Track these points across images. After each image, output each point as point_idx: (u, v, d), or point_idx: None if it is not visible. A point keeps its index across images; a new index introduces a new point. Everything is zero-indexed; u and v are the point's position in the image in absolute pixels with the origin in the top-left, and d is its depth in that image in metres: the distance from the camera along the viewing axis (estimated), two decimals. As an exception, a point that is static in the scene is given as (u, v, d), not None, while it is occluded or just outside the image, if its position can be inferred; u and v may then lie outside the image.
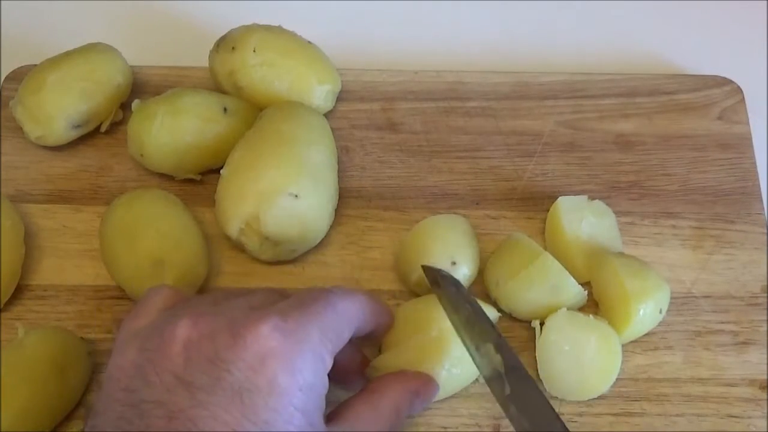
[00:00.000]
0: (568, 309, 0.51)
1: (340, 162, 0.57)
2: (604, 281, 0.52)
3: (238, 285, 0.55)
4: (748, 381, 0.52)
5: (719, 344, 0.53)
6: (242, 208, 0.52)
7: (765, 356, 0.53)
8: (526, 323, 0.53)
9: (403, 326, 0.49)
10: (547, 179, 0.59)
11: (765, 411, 0.51)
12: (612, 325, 0.51)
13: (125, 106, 0.60)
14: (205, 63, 0.60)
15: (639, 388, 0.52)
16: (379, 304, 0.48)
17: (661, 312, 0.52)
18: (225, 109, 0.57)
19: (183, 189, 0.58)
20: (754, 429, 0.50)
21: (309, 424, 0.40)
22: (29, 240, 0.55)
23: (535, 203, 0.58)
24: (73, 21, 0.69)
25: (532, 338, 0.51)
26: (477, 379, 0.49)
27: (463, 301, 0.48)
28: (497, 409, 0.46)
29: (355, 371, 0.48)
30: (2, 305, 0.53)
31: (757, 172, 0.59)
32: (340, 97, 0.61)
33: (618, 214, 0.57)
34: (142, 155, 0.56)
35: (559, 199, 0.56)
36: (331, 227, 0.55)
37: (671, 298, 0.53)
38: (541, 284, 0.51)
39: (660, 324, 0.53)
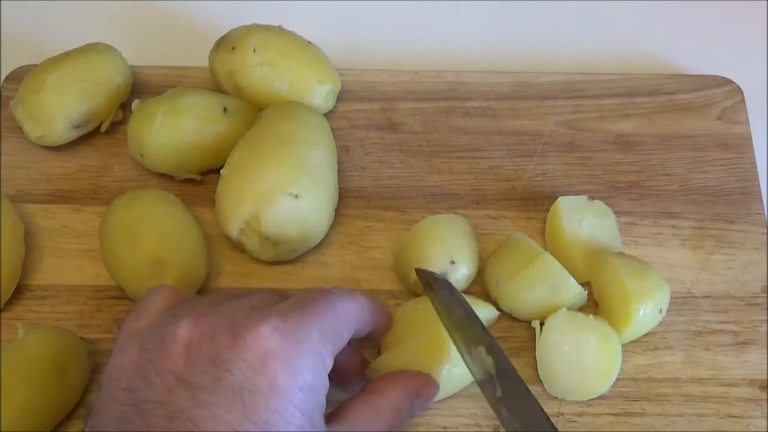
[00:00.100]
0: (568, 309, 0.51)
1: (340, 162, 0.57)
2: (604, 281, 0.52)
3: (238, 285, 0.55)
4: (748, 381, 0.52)
5: (719, 344, 0.53)
6: (242, 208, 0.52)
7: (765, 356, 0.53)
8: (526, 323, 0.53)
9: (403, 326, 0.49)
10: (547, 179, 0.59)
11: (765, 411, 0.51)
12: (612, 325, 0.51)
13: (125, 106, 0.60)
14: (205, 63, 0.60)
15: (639, 388, 0.52)
16: (378, 304, 0.48)
17: (661, 312, 0.52)
18: (225, 109, 0.57)
19: (183, 189, 0.58)
20: (754, 429, 0.50)
21: (309, 425, 0.40)
22: (29, 240, 0.55)
23: (535, 203, 0.58)
24: (73, 21, 0.69)
25: (532, 338, 0.51)
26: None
27: (456, 304, 0.48)
28: (497, 409, 0.46)
29: (355, 372, 0.48)
30: (2, 305, 0.53)
31: (757, 172, 0.59)
32: (340, 97, 0.61)
33: (618, 214, 0.57)
34: (142, 155, 0.56)
35: (559, 199, 0.56)
36: (331, 227, 0.55)
37: (671, 298, 0.53)
38: (541, 284, 0.51)
39: (660, 324, 0.53)
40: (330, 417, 0.43)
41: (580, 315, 0.51)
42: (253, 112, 0.58)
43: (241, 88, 0.58)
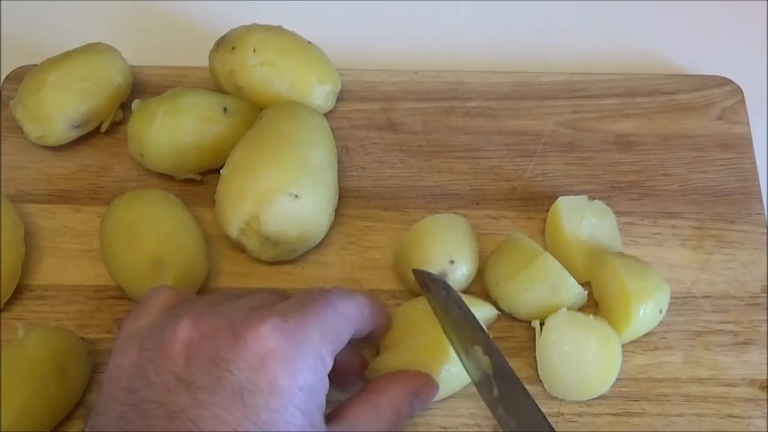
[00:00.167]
0: (568, 309, 0.51)
1: (340, 162, 0.57)
2: (604, 281, 0.52)
3: (238, 285, 0.55)
4: (748, 381, 0.52)
5: (719, 344, 0.53)
6: (242, 208, 0.52)
7: (765, 356, 0.53)
8: (526, 323, 0.53)
9: (403, 326, 0.49)
10: (547, 179, 0.59)
11: (765, 411, 0.51)
12: (612, 325, 0.51)
13: (125, 106, 0.60)
14: (205, 63, 0.60)
15: (639, 388, 0.52)
16: (378, 305, 0.48)
17: (661, 312, 0.52)
18: (225, 109, 0.57)
19: (183, 189, 0.58)
20: (754, 429, 0.50)
21: (309, 424, 0.40)
22: (29, 240, 0.55)
23: (535, 203, 0.58)
24: (73, 21, 0.69)
25: (532, 338, 0.51)
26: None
27: (453, 305, 0.48)
28: (497, 409, 0.46)
29: (355, 372, 0.48)
30: (2, 305, 0.53)
31: (757, 172, 0.59)
32: (340, 97, 0.61)
33: (618, 214, 0.57)
34: (142, 155, 0.56)
35: (559, 199, 0.56)
36: (331, 227, 0.55)
37: (671, 298, 0.53)
38: (541, 284, 0.51)
39: (660, 324, 0.53)
40: (330, 417, 0.43)
41: (580, 315, 0.51)
42: (253, 112, 0.58)
43: (241, 88, 0.58)
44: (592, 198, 0.56)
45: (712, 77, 0.63)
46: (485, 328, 0.50)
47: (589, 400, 0.51)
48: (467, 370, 0.47)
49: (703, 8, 0.71)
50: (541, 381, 0.51)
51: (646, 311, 0.51)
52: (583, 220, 0.54)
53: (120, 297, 0.54)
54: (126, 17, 0.70)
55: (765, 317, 0.54)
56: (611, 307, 0.52)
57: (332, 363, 0.42)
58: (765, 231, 0.57)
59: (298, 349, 0.40)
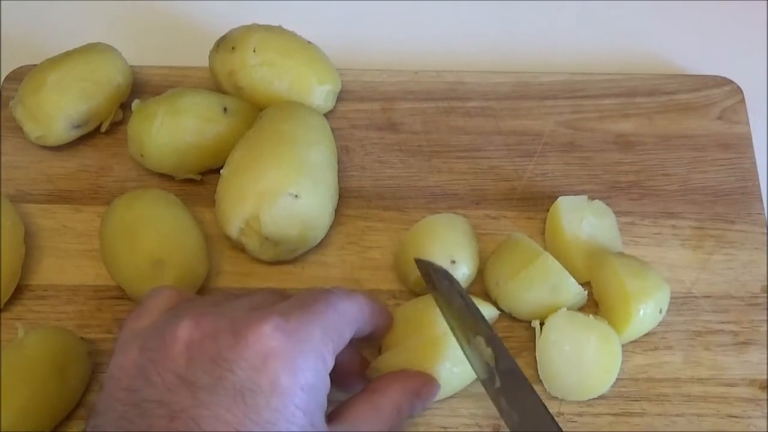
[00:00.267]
0: (568, 309, 0.51)
1: (340, 162, 0.57)
2: (604, 281, 0.52)
3: (238, 285, 0.55)
4: (748, 381, 0.52)
5: (719, 344, 0.53)
6: (242, 208, 0.52)
7: (765, 356, 0.53)
8: (526, 323, 0.53)
9: (403, 326, 0.49)
10: (547, 179, 0.59)
11: (765, 411, 0.51)
12: (612, 325, 0.51)
13: (125, 106, 0.60)
14: (205, 63, 0.60)
15: (639, 388, 0.52)
16: (378, 305, 0.48)
17: (661, 312, 0.52)
18: (225, 109, 0.57)
19: (183, 189, 0.58)
20: (754, 429, 0.50)
21: (311, 424, 0.40)
22: (29, 240, 0.55)
23: (535, 203, 0.58)
24: (73, 21, 0.69)
25: (532, 338, 0.51)
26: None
27: (456, 294, 0.48)
28: (497, 409, 0.46)
29: (355, 373, 0.48)
30: (2, 305, 0.53)
31: (757, 172, 0.59)
32: (340, 97, 0.61)
33: (618, 214, 0.57)
34: (142, 155, 0.56)
35: (559, 199, 0.56)
36: (331, 227, 0.55)
37: (671, 298, 0.53)
38: (541, 284, 0.51)
39: (660, 324, 0.53)
40: (331, 416, 0.43)
41: (580, 315, 0.51)
42: (253, 112, 0.58)
43: (241, 88, 0.58)
44: (592, 198, 0.56)
45: (712, 77, 0.63)
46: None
47: (589, 400, 0.51)
48: (470, 361, 0.47)
49: (703, 8, 0.71)
50: (541, 381, 0.51)
51: (646, 311, 0.51)
52: (583, 220, 0.54)
53: (120, 297, 0.54)
54: (126, 17, 0.70)
55: (765, 317, 0.54)
56: (611, 307, 0.52)
57: (333, 362, 0.42)
58: (765, 231, 0.57)
59: (300, 348, 0.40)
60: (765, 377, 0.52)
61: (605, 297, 0.52)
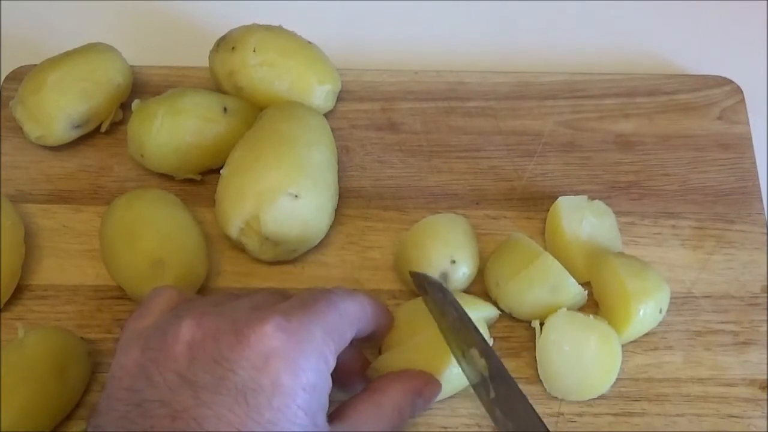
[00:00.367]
0: (568, 309, 0.51)
1: (340, 162, 0.57)
2: (604, 281, 0.52)
3: (238, 285, 0.55)
4: (748, 381, 0.52)
5: (719, 344, 0.53)
6: (242, 208, 0.52)
7: (765, 356, 0.53)
8: (526, 323, 0.53)
9: (404, 326, 0.49)
10: (547, 179, 0.59)
11: (765, 411, 0.51)
12: (612, 325, 0.51)
13: (125, 106, 0.60)
14: (205, 63, 0.60)
15: (639, 388, 0.52)
16: (379, 305, 0.48)
17: (661, 312, 0.52)
18: (225, 109, 0.57)
19: (183, 189, 0.58)
20: (754, 429, 0.50)
21: (312, 424, 0.40)
22: (29, 240, 0.55)
23: (535, 203, 0.58)
24: (73, 21, 0.69)
25: (532, 338, 0.51)
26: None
27: (450, 307, 0.48)
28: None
29: (356, 373, 0.48)
30: (2, 305, 0.53)
31: (757, 172, 0.59)
32: (340, 97, 0.61)
33: (618, 214, 0.57)
34: (142, 155, 0.56)
35: (559, 199, 0.56)
36: (331, 227, 0.55)
37: (671, 298, 0.53)
38: (541, 284, 0.51)
39: (660, 324, 0.53)
40: (332, 416, 0.43)
41: (580, 315, 0.51)
42: (253, 112, 0.58)
43: (241, 88, 0.58)
44: (592, 198, 0.56)
45: (712, 77, 0.63)
46: (486, 328, 0.50)
47: (589, 400, 0.51)
48: (464, 372, 0.47)
49: (703, 8, 0.71)
50: (541, 381, 0.51)
51: (646, 311, 0.51)
52: (583, 220, 0.54)
53: (120, 297, 0.54)
54: (126, 17, 0.70)
55: (765, 317, 0.54)
56: (611, 307, 0.52)
57: (335, 362, 0.42)
58: (765, 231, 0.57)
59: (301, 348, 0.40)
60: (765, 377, 0.52)
61: (605, 297, 0.52)
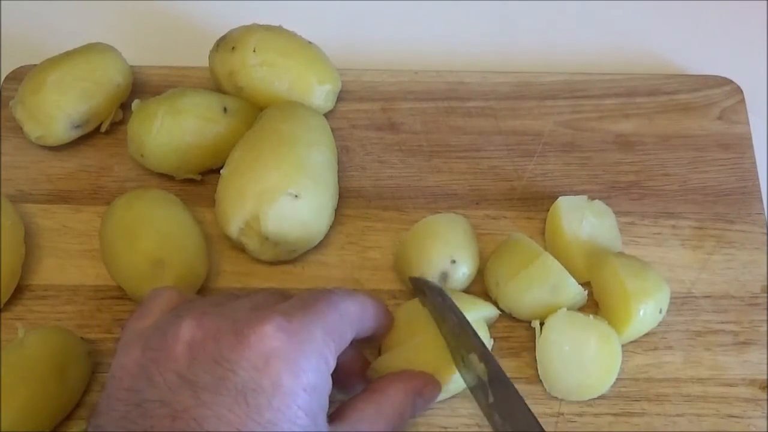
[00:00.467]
0: (568, 309, 0.51)
1: (340, 162, 0.57)
2: (604, 281, 0.52)
3: (238, 285, 0.55)
4: (748, 381, 0.52)
5: (719, 344, 0.53)
6: (242, 208, 0.52)
7: (765, 356, 0.53)
8: (526, 323, 0.53)
9: (404, 326, 0.49)
10: (547, 179, 0.59)
11: (765, 411, 0.51)
12: (612, 325, 0.51)
13: (125, 106, 0.60)
14: (205, 63, 0.60)
15: (639, 388, 0.52)
16: (379, 305, 0.48)
17: (661, 312, 0.52)
18: (225, 109, 0.57)
19: (183, 189, 0.58)
20: (754, 429, 0.50)
21: (313, 424, 0.40)
22: (29, 240, 0.55)
23: (535, 203, 0.58)
24: (73, 21, 0.69)
25: (532, 338, 0.51)
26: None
27: (449, 312, 0.48)
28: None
29: (356, 373, 0.48)
30: (2, 305, 0.53)
31: (757, 172, 0.59)
32: (340, 97, 0.61)
33: (618, 214, 0.57)
34: (142, 155, 0.56)
35: (559, 199, 0.56)
36: (331, 227, 0.55)
37: (671, 298, 0.53)
38: (541, 284, 0.51)
39: (660, 324, 0.53)
40: (332, 417, 0.43)
41: (580, 315, 0.51)
42: (253, 112, 0.58)
43: (241, 88, 0.58)
44: (592, 198, 0.56)
45: (712, 77, 0.63)
46: (486, 328, 0.50)
47: (589, 400, 0.51)
48: (463, 377, 0.48)
49: (703, 8, 0.71)
50: (541, 381, 0.51)
51: (646, 311, 0.51)
52: (583, 220, 0.54)
53: (120, 297, 0.54)
54: (126, 17, 0.70)
55: (765, 317, 0.54)
56: (611, 307, 0.52)
57: (335, 363, 0.42)
58: (765, 231, 0.57)
59: (302, 348, 0.40)
60: (765, 377, 0.52)
61: (605, 297, 0.52)
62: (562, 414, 0.50)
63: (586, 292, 0.52)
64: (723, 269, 0.56)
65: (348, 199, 0.58)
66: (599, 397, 0.51)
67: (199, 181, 0.58)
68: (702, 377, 0.52)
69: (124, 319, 0.52)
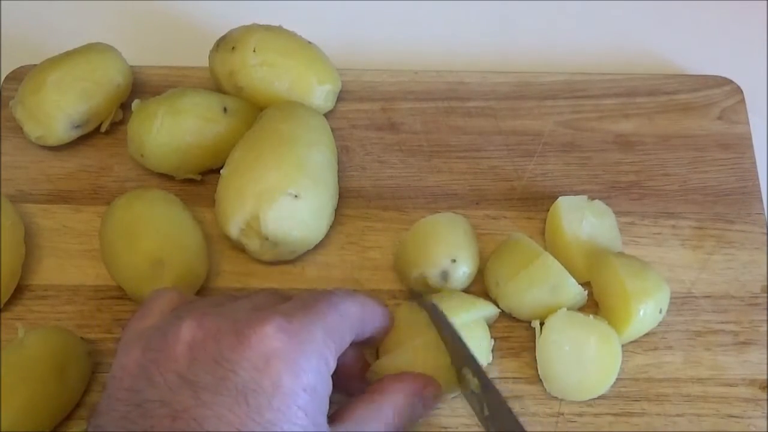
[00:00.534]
0: (568, 309, 0.51)
1: (340, 162, 0.57)
2: (604, 281, 0.52)
3: (238, 285, 0.55)
4: (748, 381, 0.52)
5: (719, 344, 0.53)
6: (242, 208, 0.52)
7: (765, 356, 0.53)
8: (526, 323, 0.53)
9: (404, 327, 0.49)
10: (547, 179, 0.59)
11: (765, 411, 0.51)
12: (612, 325, 0.51)
13: (125, 106, 0.60)
14: (205, 63, 0.60)
15: (639, 388, 0.52)
16: (379, 306, 0.48)
17: (661, 312, 0.52)
18: (225, 109, 0.57)
19: (183, 189, 0.58)
20: (754, 429, 0.50)
21: (313, 425, 0.40)
22: (29, 240, 0.55)
23: (535, 203, 0.58)
24: (73, 21, 0.69)
25: (532, 338, 0.51)
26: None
27: (442, 327, 0.48)
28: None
29: (356, 375, 0.48)
30: (2, 305, 0.53)
31: (757, 172, 0.59)
32: (340, 97, 0.61)
33: (618, 214, 0.57)
34: (142, 155, 0.56)
35: (559, 199, 0.56)
36: (331, 227, 0.55)
37: (671, 298, 0.53)
38: (541, 284, 0.51)
39: (660, 324, 0.53)
40: (332, 418, 0.43)
41: (580, 315, 0.51)
42: (253, 112, 0.58)
43: (241, 88, 0.58)
44: (592, 198, 0.56)
45: (712, 77, 0.63)
46: (486, 328, 0.50)
47: (589, 400, 0.51)
48: (461, 389, 0.48)
49: (703, 8, 0.71)
50: (541, 381, 0.51)
51: (646, 311, 0.51)
52: (583, 220, 0.54)
53: (120, 297, 0.54)
54: (126, 17, 0.70)
55: (765, 317, 0.54)
56: (611, 307, 0.52)
57: (335, 364, 0.42)
58: (765, 231, 0.57)
59: (302, 349, 0.40)
60: (765, 377, 0.52)
61: (605, 297, 0.52)
62: (562, 414, 0.50)
63: (586, 292, 0.52)
64: (723, 269, 0.56)
65: (348, 199, 0.58)
66: (599, 397, 0.51)
67: (199, 181, 0.58)
68: (702, 377, 0.52)
69: (124, 319, 0.53)
